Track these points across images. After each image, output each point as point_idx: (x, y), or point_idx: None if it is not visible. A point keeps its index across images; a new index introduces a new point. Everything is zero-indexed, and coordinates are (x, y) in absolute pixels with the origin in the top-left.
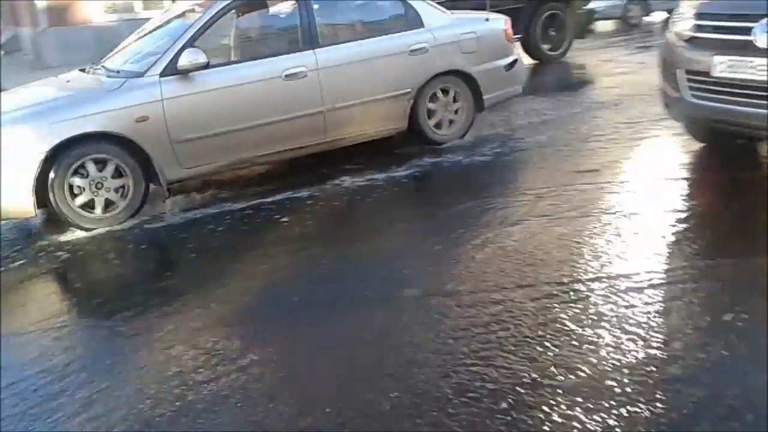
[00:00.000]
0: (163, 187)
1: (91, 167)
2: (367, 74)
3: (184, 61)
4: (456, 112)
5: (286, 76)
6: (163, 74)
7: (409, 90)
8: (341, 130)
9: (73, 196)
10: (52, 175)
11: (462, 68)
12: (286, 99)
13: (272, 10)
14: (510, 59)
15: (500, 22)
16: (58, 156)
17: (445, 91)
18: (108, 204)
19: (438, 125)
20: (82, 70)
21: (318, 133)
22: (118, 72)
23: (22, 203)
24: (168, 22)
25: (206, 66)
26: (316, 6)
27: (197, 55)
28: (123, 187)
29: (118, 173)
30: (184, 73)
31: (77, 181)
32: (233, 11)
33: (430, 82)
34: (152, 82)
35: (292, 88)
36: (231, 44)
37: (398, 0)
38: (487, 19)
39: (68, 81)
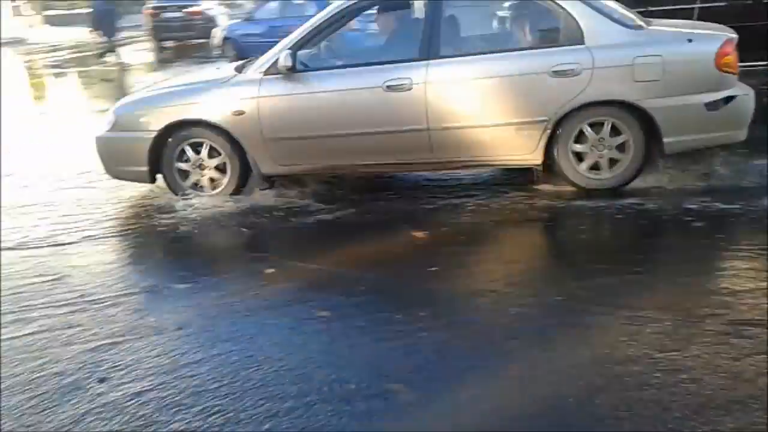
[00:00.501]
0: (257, 178)
1: (203, 151)
2: (486, 94)
3: (280, 63)
4: (619, 149)
5: (388, 87)
6: (266, 73)
7: (545, 119)
8: (450, 152)
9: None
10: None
11: (628, 99)
12: (386, 111)
13: (396, 14)
14: (720, 94)
15: (711, 44)
16: (170, 135)
17: (597, 125)
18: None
19: (593, 166)
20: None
21: (422, 152)
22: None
23: (138, 171)
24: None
25: (291, 69)
26: (447, 13)
27: (288, 59)
28: (223, 170)
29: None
30: (284, 74)
31: (183, 165)
32: (348, 15)
33: (577, 112)
34: (254, 79)
35: (393, 101)
36: (340, 49)
37: (556, 8)
38: (690, 40)
39: (217, 68)
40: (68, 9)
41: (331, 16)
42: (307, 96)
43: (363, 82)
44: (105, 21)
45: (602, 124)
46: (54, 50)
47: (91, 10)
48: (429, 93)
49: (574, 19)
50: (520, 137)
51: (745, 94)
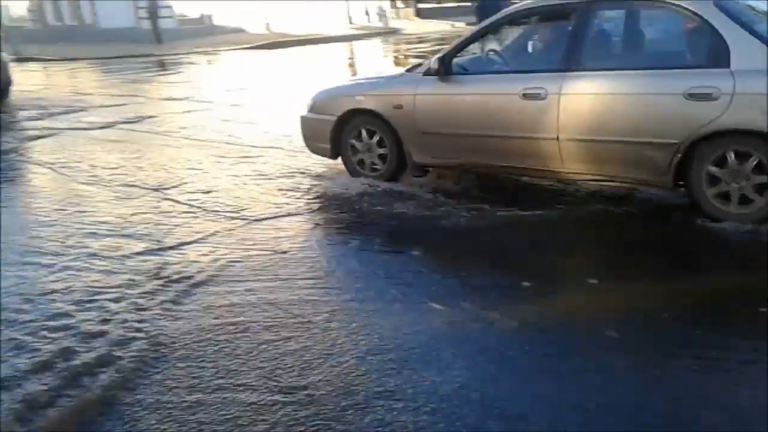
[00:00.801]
0: (409, 166)
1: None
2: (616, 110)
3: (431, 67)
4: (761, 188)
5: (524, 95)
6: (425, 74)
7: (675, 142)
8: (580, 164)
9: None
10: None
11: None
12: (520, 117)
13: (542, 27)
14: None
15: None
16: (348, 121)
17: (740, 155)
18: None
19: (723, 196)
20: None
21: (553, 160)
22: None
23: (324, 147)
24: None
25: (440, 73)
26: (590, 27)
27: (436, 63)
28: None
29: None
30: (437, 76)
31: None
32: (508, 24)
33: (712, 139)
34: (414, 79)
35: (528, 108)
36: (498, 55)
37: (707, 27)
38: None
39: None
40: (438, 3)
41: (479, 30)
42: (453, 97)
43: (502, 88)
44: (490, 15)
45: (746, 154)
46: (420, 41)
47: (475, 3)
48: (562, 104)
49: (724, 40)
50: (649, 158)
51: None
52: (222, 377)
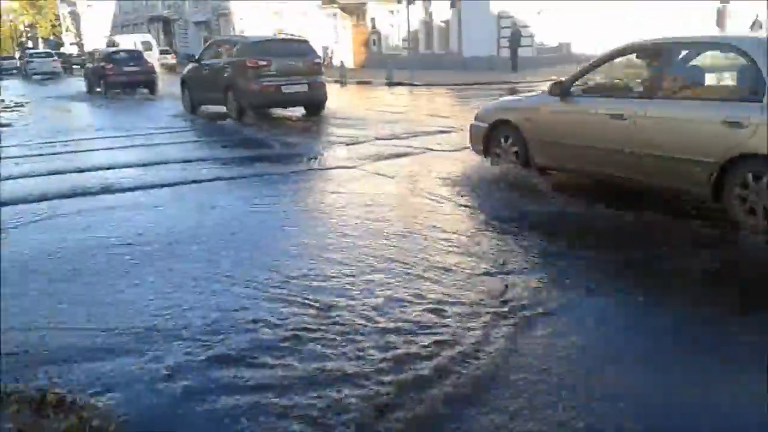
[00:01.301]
0: (532, 166)
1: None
2: (672, 132)
3: (552, 90)
4: None
5: (611, 116)
6: (552, 93)
7: (711, 160)
8: (647, 173)
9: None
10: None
11: None
12: (608, 133)
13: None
14: None
15: None
16: (496, 127)
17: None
18: None
19: (752, 211)
20: None
21: (632, 170)
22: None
23: (479, 147)
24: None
25: (559, 95)
26: (669, 65)
27: (556, 88)
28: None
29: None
30: (559, 96)
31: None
32: (600, 62)
33: (741, 162)
34: (546, 97)
35: (613, 126)
36: (610, 82)
37: (752, 66)
38: None
39: None
40: None
41: (593, 63)
42: (565, 115)
43: (599, 110)
44: None
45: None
46: None
47: None
48: (636, 124)
49: (764, 78)
50: (692, 172)
51: None
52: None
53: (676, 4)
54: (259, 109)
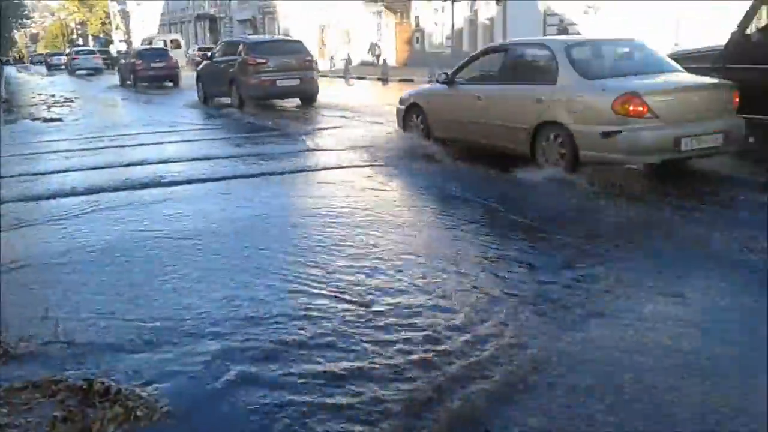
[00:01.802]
0: (431, 137)
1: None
2: (506, 107)
3: (440, 79)
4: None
5: (474, 97)
6: (441, 81)
7: (528, 126)
8: (494, 138)
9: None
10: (408, 118)
11: (561, 121)
12: (472, 110)
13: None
14: (614, 128)
15: (612, 95)
16: (410, 109)
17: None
18: None
19: (547, 160)
20: None
21: (486, 136)
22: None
23: (402, 125)
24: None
25: (446, 82)
26: (504, 57)
27: (442, 77)
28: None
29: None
30: (445, 83)
31: None
32: (477, 57)
33: (543, 126)
34: (440, 85)
35: (475, 105)
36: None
37: (552, 58)
38: (603, 89)
39: None
40: None
41: (469, 59)
42: (449, 98)
43: (470, 92)
44: None
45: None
46: None
47: None
48: (484, 102)
49: (557, 68)
50: (516, 135)
51: (632, 130)
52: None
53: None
54: (257, 100)
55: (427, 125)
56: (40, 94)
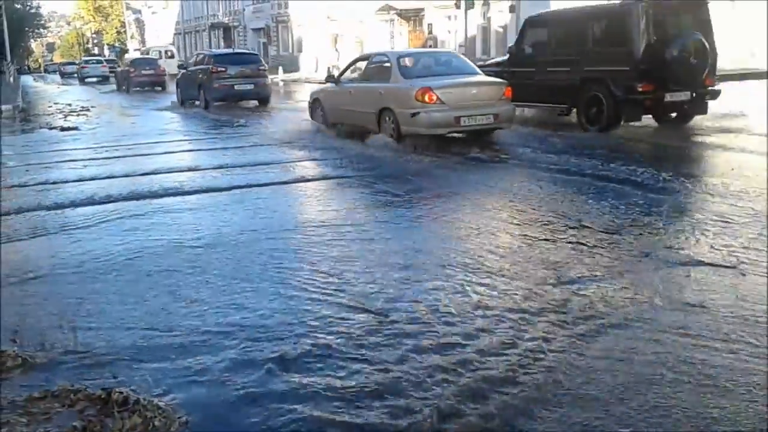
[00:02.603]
0: (327, 123)
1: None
2: (364, 98)
3: (329, 79)
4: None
5: (347, 92)
6: (330, 81)
7: (375, 111)
8: (360, 120)
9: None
10: (313, 109)
11: (390, 107)
12: (347, 101)
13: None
14: (416, 110)
15: (412, 89)
16: (313, 102)
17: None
18: None
19: (386, 133)
20: None
21: (356, 120)
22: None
23: (309, 114)
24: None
25: (333, 82)
26: (374, 61)
27: (332, 78)
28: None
29: None
30: (333, 83)
31: None
32: (355, 63)
33: (382, 111)
34: (331, 84)
35: (348, 97)
36: (352, 75)
37: (390, 64)
38: (412, 86)
39: None
40: None
41: (349, 64)
42: (335, 93)
43: (345, 88)
44: None
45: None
46: None
47: None
48: (354, 95)
49: (390, 72)
50: (371, 118)
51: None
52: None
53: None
54: (219, 101)
55: (325, 114)
56: (56, 103)
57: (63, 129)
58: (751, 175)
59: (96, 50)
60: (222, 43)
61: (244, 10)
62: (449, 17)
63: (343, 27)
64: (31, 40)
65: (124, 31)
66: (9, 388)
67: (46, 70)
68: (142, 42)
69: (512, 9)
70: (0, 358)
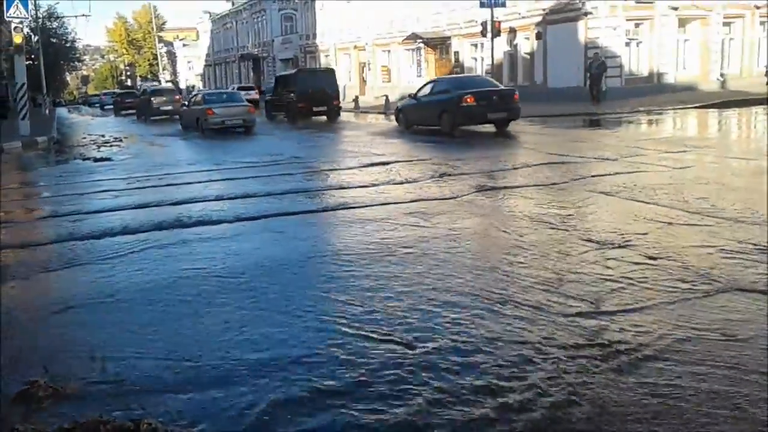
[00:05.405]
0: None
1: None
2: (431, 105)
3: (409, 96)
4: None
5: (415, 101)
6: (411, 97)
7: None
8: (429, 120)
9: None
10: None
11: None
12: (420, 106)
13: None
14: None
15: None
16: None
17: None
18: None
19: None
20: None
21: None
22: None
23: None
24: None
25: (413, 98)
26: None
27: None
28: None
29: None
30: (413, 98)
31: None
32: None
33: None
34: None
35: (417, 105)
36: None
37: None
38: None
39: None
40: None
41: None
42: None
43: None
44: None
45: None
46: None
47: None
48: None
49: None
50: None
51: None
52: None
53: None
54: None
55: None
56: (90, 134)
57: (96, 160)
58: None
59: (129, 82)
60: (252, 74)
61: (273, 41)
62: (475, 45)
63: (369, 55)
64: (66, 73)
65: (156, 63)
66: (40, 419)
67: (84, 102)
68: (174, 74)
69: (539, 36)
70: (32, 389)
